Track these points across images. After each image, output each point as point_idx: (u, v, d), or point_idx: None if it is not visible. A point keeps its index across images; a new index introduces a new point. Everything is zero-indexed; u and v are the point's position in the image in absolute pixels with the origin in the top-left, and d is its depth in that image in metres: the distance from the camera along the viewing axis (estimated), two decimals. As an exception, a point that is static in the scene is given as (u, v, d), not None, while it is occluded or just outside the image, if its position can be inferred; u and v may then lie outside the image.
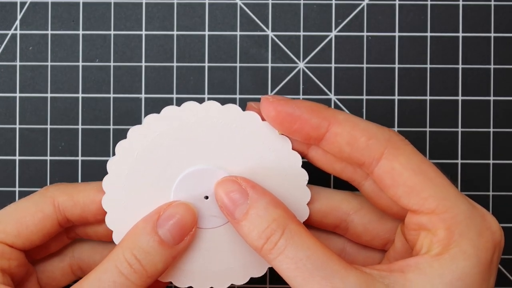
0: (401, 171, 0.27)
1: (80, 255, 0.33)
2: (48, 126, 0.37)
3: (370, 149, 0.27)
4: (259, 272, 0.31)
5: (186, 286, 0.31)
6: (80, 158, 0.37)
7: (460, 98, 0.37)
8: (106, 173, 0.30)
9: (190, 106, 0.30)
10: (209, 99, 0.37)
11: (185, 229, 0.29)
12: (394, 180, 0.27)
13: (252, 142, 0.30)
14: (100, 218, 0.30)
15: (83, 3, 0.38)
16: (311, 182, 0.30)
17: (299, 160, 0.30)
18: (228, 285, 0.31)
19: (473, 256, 0.26)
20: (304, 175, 0.30)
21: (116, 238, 0.30)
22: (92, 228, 0.31)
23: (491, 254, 0.26)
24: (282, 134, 0.30)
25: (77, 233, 0.32)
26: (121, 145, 0.30)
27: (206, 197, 0.30)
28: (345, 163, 0.29)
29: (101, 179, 0.37)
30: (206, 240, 0.30)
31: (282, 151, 0.30)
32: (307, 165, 0.30)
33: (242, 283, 0.31)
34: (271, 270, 0.36)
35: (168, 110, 0.30)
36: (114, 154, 0.37)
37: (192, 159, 0.30)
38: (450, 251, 0.26)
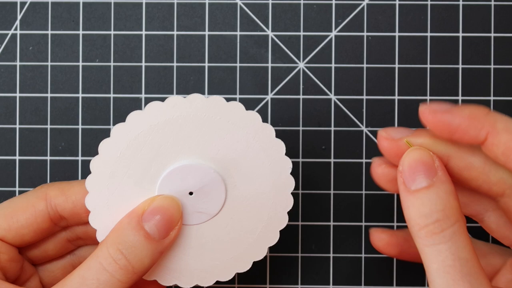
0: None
1: (80, 252, 0.33)
2: (48, 126, 0.37)
3: (480, 124, 0.26)
4: (244, 267, 0.31)
5: (171, 284, 0.31)
6: (80, 158, 0.37)
7: (460, 98, 0.37)
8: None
9: (174, 100, 0.29)
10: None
11: (171, 222, 0.29)
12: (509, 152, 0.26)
13: (236, 132, 0.29)
14: None
15: (83, 3, 0.38)
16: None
17: (282, 148, 0.30)
18: (214, 282, 0.31)
19: None
20: (288, 163, 0.30)
21: (100, 237, 0.29)
22: (93, 231, 0.31)
23: None
24: (265, 123, 0.30)
25: (80, 237, 0.32)
26: (104, 144, 0.29)
27: (191, 193, 0.30)
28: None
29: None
30: (190, 237, 0.30)
31: (266, 139, 0.30)
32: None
33: (228, 279, 0.31)
34: (271, 270, 0.36)
35: (151, 106, 0.29)
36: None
37: (176, 154, 0.29)
38: None
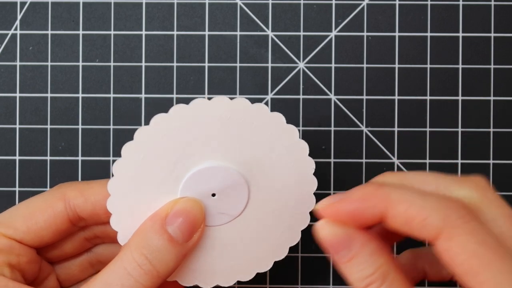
0: (457, 253, 0.26)
1: (98, 250, 0.33)
2: (48, 126, 0.37)
3: (426, 230, 0.26)
4: (265, 267, 0.31)
5: (192, 285, 0.30)
6: (80, 158, 0.37)
7: (460, 98, 0.37)
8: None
9: (198, 103, 0.29)
10: (209, 99, 0.37)
11: (194, 225, 0.28)
12: (451, 260, 0.26)
13: (260, 134, 0.29)
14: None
15: (83, 3, 0.38)
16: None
17: (306, 149, 0.30)
18: (234, 282, 0.31)
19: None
20: (311, 164, 0.30)
21: (121, 239, 0.29)
22: (111, 229, 0.31)
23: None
24: (289, 124, 0.29)
25: (97, 235, 0.32)
26: (127, 147, 0.29)
27: (213, 195, 0.29)
28: None
29: (101, 178, 0.37)
30: (211, 237, 0.30)
31: (289, 140, 0.29)
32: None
33: (248, 279, 0.31)
34: (271, 270, 0.36)
35: (176, 109, 0.29)
36: (116, 155, 0.37)
37: (200, 157, 0.29)
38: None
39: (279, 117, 0.29)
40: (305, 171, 0.30)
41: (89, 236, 0.32)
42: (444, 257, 0.26)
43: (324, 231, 0.28)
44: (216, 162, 0.29)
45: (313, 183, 0.30)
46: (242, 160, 0.29)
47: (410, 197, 0.27)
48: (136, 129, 0.37)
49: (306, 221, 0.31)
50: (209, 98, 0.29)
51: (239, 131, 0.29)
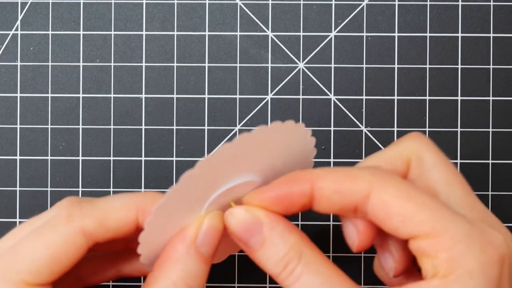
0: (391, 202, 0.26)
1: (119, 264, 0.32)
2: (49, 126, 0.38)
3: (357, 190, 0.27)
4: None
5: None
6: (80, 158, 0.37)
7: (459, 98, 0.37)
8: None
9: (244, 138, 0.27)
10: (209, 99, 0.37)
11: (219, 238, 0.28)
12: (387, 212, 0.27)
13: (289, 154, 0.29)
14: (133, 235, 0.29)
15: (84, 3, 0.38)
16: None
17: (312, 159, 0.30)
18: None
19: (479, 274, 0.25)
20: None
21: (144, 258, 0.28)
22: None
23: (498, 269, 0.26)
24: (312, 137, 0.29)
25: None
26: (171, 191, 0.27)
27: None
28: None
29: (101, 178, 0.37)
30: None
31: (308, 152, 0.29)
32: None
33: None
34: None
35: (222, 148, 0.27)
36: (116, 155, 0.37)
37: (228, 178, 0.29)
38: (455, 272, 0.25)
39: (311, 140, 0.29)
40: None
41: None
42: (379, 214, 0.27)
43: (233, 219, 0.28)
44: (241, 179, 0.29)
45: None
46: (264, 171, 0.29)
47: (334, 169, 0.28)
48: (136, 129, 0.37)
49: None
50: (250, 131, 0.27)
51: (270, 152, 0.29)
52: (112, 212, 0.29)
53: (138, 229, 0.29)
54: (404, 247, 0.30)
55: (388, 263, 0.30)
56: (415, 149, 0.29)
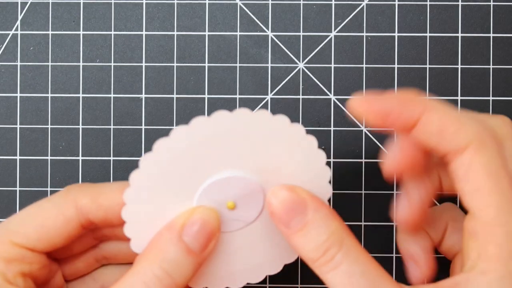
0: (477, 169, 0.26)
1: (104, 246, 0.32)
2: (49, 126, 0.38)
3: (457, 140, 0.26)
4: (275, 270, 0.31)
5: (202, 287, 0.30)
6: (80, 158, 0.37)
7: (459, 98, 0.37)
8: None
9: (219, 115, 0.28)
10: (209, 99, 0.37)
11: (211, 235, 0.28)
12: (467, 175, 0.26)
13: (278, 144, 0.29)
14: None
15: (84, 3, 0.38)
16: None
17: (324, 159, 0.29)
18: (244, 284, 0.30)
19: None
20: (327, 172, 0.29)
21: (135, 246, 0.29)
22: (120, 230, 0.30)
23: None
24: (309, 134, 0.29)
25: (105, 234, 0.31)
26: (145, 158, 0.28)
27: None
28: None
29: (101, 178, 0.37)
30: (223, 242, 0.30)
31: (307, 150, 0.29)
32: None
33: (258, 281, 0.31)
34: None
35: (196, 121, 0.28)
36: (117, 155, 0.37)
37: (218, 167, 0.29)
38: (498, 270, 0.25)
39: (299, 128, 0.29)
40: (321, 180, 0.29)
41: (98, 235, 0.32)
42: (459, 171, 0.26)
43: (277, 199, 0.27)
44: (234, 172, 0.29)
45: (328, 191, 0.30)
46: (260, 169, 0.29)
47: (447, 108, 0.27)
48: (136, 129, 0.38)
49: None
50: (231, 111, 0.28)
51: (258, 142, 0.29)
52: (107, 192, 0.29)
53: None
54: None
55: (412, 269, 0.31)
56: (502, 132, 0.28)
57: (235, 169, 0.29)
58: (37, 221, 0.29)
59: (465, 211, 0.31)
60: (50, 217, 0.29)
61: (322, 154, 0.29)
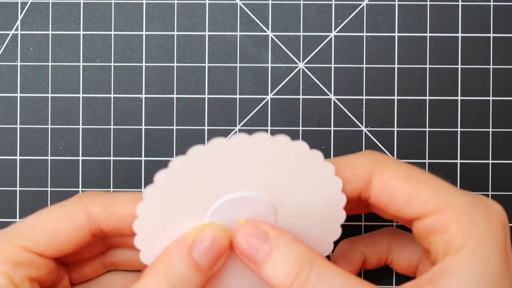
0: (393, 183, 0.27)
1: (112, 253, 0.32)
2: (49, 126, 0.38)
3: (359, 176, 0.27)
4: None
5: None
6: (80, 158, 0.37)
7: (459, 98, 0.37)
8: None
9: (238, 138, 0.27)
10: (209, 99, 0.37)
11: (220, 252, 0.28)
12: (390, 194, 0.27)
13: (296, 169, 0.28)
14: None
15: (84, 3, 0.38)
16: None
17: (339, 185, 0.29)
18: None
19: (490, 241, 0.26)
20: (343, 198, 0.29)
21: (144, 257, 0.29)
22: (130, 239, 0.30)
23: (503, 235, 0.26)
24: (327, 161, 0.29)
25: (115, 242, 0.31)
26: (161, 174, 0.28)
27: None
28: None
29: (101, 178, 0.37)
30: (232, 260, 0.29)
31: (325, 176, 0.29)
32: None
33: None
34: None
35: (214, 142, 0.28)
36: (116, 155, 0.37)
37: (231, 187, 0.28)
38: (469, 243, 0.26)
39: (317, 155, 0.28)
40: (335, 204, 0.29)
41: (107, 243, 0.31)
42: (382, 197, 0.27)
43: (240, 232, 0.27)
44: (246, 192, 0.28)
45: (342, 216, 0.29)
46: (273, 191, 0.29)
47: (333, 160, 0.28)
48: (136, 129, 0.38)
49: (329, 249, 0.30)
50: (250, 134, 0.28)
51: (275, 166, 0.28)
52: (119, 201, 0.29)
53: None
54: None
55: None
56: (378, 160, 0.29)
57: (249, 190, 0.28)
58: (47, 227, 0.29)
59: (406, 229, 0.32)
60: (61, 223, 0.29)
61: (338, 182, 0.29)
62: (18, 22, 0.38)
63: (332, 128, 0.37)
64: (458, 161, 0.37)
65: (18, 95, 0.38)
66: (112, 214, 0.29)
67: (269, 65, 0.37)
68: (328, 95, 0.37)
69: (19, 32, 0.38)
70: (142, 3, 0.38)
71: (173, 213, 0.28)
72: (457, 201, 0.26)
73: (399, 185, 0.27)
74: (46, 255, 0.29)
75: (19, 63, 0.38)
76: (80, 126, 0.37)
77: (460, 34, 0.37)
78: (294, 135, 0.37)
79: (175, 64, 0.37)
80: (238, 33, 0.38)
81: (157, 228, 0.28)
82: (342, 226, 0.30)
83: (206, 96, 0.37)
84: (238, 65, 0.37)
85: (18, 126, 0.38)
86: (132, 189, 0.37)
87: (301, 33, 0.38)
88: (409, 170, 0.27)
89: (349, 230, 0.37)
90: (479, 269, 0.25)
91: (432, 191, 0.27)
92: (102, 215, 0.29)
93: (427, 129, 0.37)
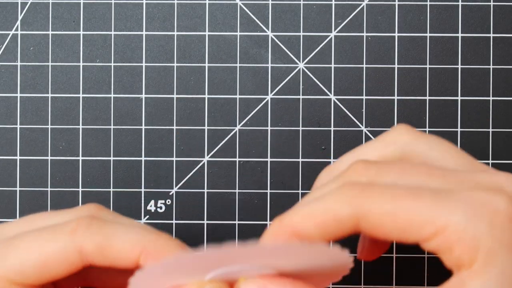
0: (383, 223, 0.25)
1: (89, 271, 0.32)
2: (49, 126, 0.38)
3: (344, 226, 0.26)
4: None
5: None
6: (80, 158, 0.37)
7: (459, 98, 0.37)
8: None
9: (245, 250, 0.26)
10: (209, 99, 0.37)
11: None
12: (383, 231, 0.26)
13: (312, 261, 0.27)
14: (129, 268, 0.28)
15: (84, 3, 0.38)
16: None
17: (350, 263, 0.27)
18: None
19: (498, 250, 0.24)
20: (350, 264, 0.28)
21: None
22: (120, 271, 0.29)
23: (509, 232, 0.25)
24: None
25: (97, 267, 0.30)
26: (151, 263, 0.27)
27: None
28: None
29: (101, 178, 0.37)
30: None
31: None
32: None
33: None
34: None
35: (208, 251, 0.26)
36: (116, 155, 0.37)
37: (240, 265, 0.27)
38: (478, 258, 0.25)
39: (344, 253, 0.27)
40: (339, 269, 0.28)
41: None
42: (376, 233, 0.26)
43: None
44: (254, 269, 0.27)
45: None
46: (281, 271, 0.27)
47: (310, 211, 0.26)
48: (136, 129, 0.37)
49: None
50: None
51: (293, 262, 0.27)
52: (116, 243, 0.28)
53: (137, 267, 0.28)
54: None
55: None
56: (404, 143, 0.28)
57: (257, 267, 0.27)
58: (38, 264, 0.28)
59: None
60: (52, 260, 0.28)
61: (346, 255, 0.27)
62: (18, 22, 0.38)
63: (332, 128, 0.37)
64: (458, 161, 0.37)
65: (18, 95, 0.38)
66: (106, 257, 0.28)
67: (269, 65, 0.37)
68: (328, 95, 0.37)
69: (19, 32, 0.38)
70: (142, 3, 0.38)
71: (173, 277, 0.27)
72: (453, 217, 0.25)
73: (387, 222, 0.25)
74: (35, 285, 0.28)
75: (19, 63, 0.38)
76: (80, 126, 0.37)
77: (460, 34, 0.37)
78: (294, 135, 0.37)
79: (175, 64, 0.38)
80: (238, 33, 0.38)
81: (153, 281, 0.27)
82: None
83: (206, 96, 0.37)
84: (238, 65, 0.37)
85: (18, 126, 0.38)
86: (131, 189, 0.37)
87: (301, 33, 0.38)
88: (393, 197, 0.25)
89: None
90: (495, 282, 0.25)
91: (423, 216, 0.25)
92: (95, 256, 0.28)
93: (427, 129, 0.37)
